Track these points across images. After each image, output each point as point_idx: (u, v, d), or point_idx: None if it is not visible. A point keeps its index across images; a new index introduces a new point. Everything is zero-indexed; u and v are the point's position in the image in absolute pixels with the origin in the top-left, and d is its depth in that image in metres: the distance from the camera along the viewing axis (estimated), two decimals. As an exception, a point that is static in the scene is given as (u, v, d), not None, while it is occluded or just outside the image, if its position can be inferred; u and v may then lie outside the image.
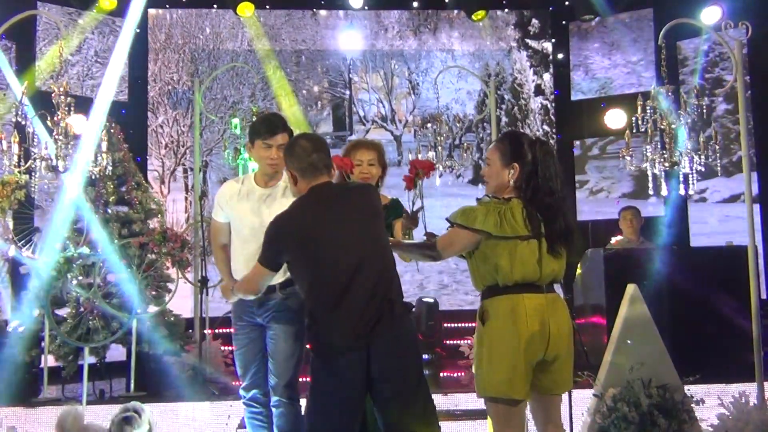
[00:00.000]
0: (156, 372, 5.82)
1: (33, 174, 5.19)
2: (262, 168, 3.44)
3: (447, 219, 2.85)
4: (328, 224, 2.75)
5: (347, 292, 2.67)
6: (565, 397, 3.00)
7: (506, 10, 9.13)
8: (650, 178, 5.25)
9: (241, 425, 4.25)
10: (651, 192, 5.39)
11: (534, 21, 9.15)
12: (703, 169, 5.30)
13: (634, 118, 5.23)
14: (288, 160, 2.90)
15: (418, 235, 3.14)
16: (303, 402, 3.51)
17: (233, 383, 4.97)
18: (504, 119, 8.95)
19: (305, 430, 2.84)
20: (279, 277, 3.39)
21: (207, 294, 5.84)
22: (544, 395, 2.86)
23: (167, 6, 8.74)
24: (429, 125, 8.71)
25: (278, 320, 3.38)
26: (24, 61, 7.35)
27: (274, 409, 3.45)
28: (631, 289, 4.04)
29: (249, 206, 3.40)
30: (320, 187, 2.83)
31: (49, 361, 5.28)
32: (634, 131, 5.35)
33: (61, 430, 3.65)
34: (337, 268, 2.70)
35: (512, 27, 9.18)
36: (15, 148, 4.92)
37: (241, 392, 3.55)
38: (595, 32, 8.91)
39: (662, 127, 5.14)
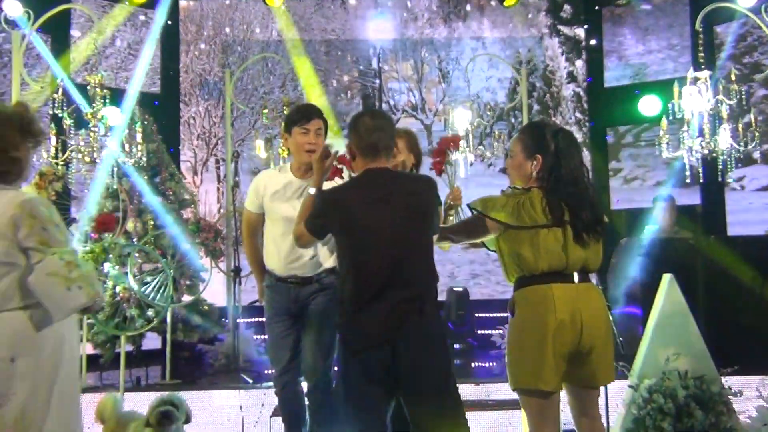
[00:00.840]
0: (190, 360, 5.91)
1: (70, 165, 5.29)
2: (299, 157, 3.43)
3: (467, 205, 2.86)
4: (374, 213, 2.69)
5: (383, 288, 2.64)
6: (600, 388, 2.95)
7: (538, -5, 9.02)
8: (687, 166, 5.16)
9: (275, 413, 4.29)
10: (688, 180, 5.30)
11: (566, 6, 9.00)
12: (741, 156, 5.19)
13: (670, 105, 5.14)
14: (349, 135, 2.85)
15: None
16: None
17: (267, 371, 5.02)
18: (535, 107, 8.85)
19: (335, 418, 2.85)
20: (316, 269, 3.42)
21: (240, 283, 5.93)
22: (581, 388, 2.82)
23: (198, -3, 8.81)
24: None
25: (314, 309, 3.41)
26: (59, 53, 7.46)
27: (308, 397, 3.48)
28: (667, 278, 3.98)
29: (286, 197, 3.41)
30: (375, 171, 2.76)
31: (87, 349, 5.39)
32: (670, 118, 5.25)
33: (101, 417, 3.71)
34: (375, 260, 2.66)
35: (544, 13, 9.04)
36: (52, 140, 5.01)
37: (274, 382, 3.58)
38: (628, 17, 8.74)
39: (700, 113, 5.04)
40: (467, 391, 2.96)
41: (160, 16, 7.79)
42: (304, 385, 3.51)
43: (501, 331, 6.00)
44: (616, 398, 3.92)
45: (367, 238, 2.68)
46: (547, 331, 2.67)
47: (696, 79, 5.09)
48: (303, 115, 3.40)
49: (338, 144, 3.48)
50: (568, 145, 2.79)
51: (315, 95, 8.66)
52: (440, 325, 2.81)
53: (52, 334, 2.29)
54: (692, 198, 7.79)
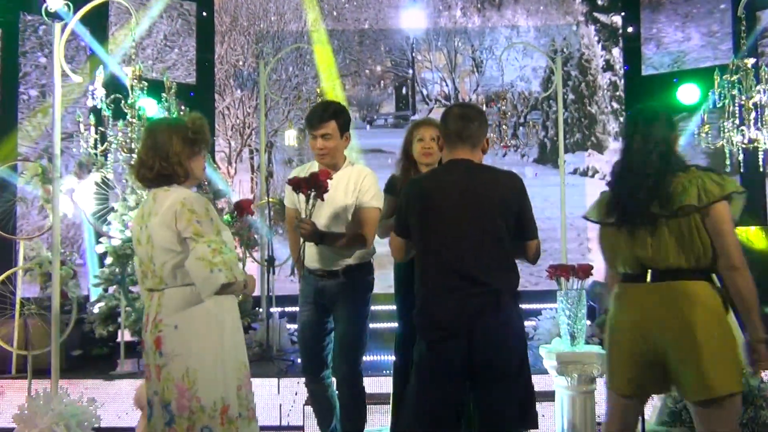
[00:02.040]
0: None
1: (108, 156, 5.37)
2: (316, 158, 3.50)
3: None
4: (447, 203, 2.68)
5: (455, 279, 2.63)
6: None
7: (573, -17, 8.87)
8: (728, 155, 5.05)
9: (308, 402, 4.33)
10: (728, 169, 5.18)
11: (603, -6, 8.86)
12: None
13: (711, 93, 5.03)
14: (440, 123, 2.89)
15: None
16: (366, 381, 3.56)
17: (300, 360, 5.05)
18: (570, 96, 8.74)
19: (407, 407, 2.83)
20: (333, 263, 3.43)
21: (274, 273, 5.98)
22: (685, 398, 2.62)
23: (232, -12, 8.87)
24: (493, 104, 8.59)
25: (343, 302, 3.42)
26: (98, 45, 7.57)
27: (338, 389, 3.49)
28: (705, 271, 3.89)
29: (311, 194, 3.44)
30: (456, 162, 2.76)
31: (125, 335, 5.49)
32: (710, 106, 5.14)
33: (140, 402, 3.79)
34: (446, 250, 2.66)
35: (580, 0, 8.91)
36: (92, 131, 5.09)
37: (304, 374, 3.60)
38: (667, 4, 8.56)
39: (741, 102, 4.92)
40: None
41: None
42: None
43: (534, 323, 5.97)
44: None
45: (439, 227, 2.68)
46: (614, 331, 2.63)
47: (738, 67, 4.97)
48: (310, 119, 3.45)
49: (353, 136, 3.53)
50: (636, 128, 2.60)
51: (333, 87, 8.64)
52: (518, 318, 2.74)
53: (208, 309, 2.67)
54: (732, 188, 7.60)
